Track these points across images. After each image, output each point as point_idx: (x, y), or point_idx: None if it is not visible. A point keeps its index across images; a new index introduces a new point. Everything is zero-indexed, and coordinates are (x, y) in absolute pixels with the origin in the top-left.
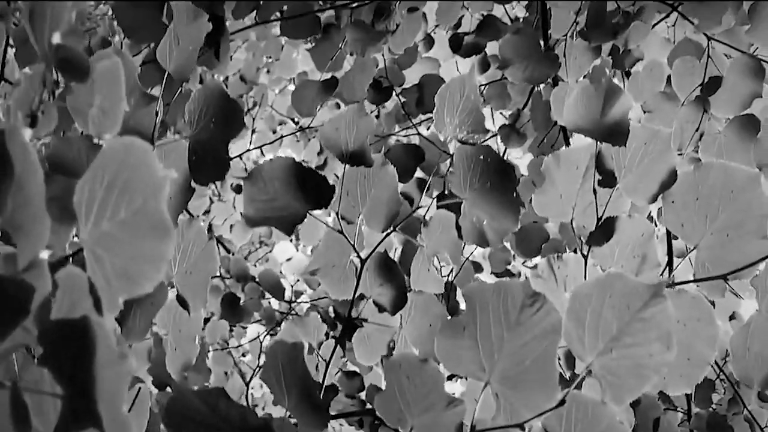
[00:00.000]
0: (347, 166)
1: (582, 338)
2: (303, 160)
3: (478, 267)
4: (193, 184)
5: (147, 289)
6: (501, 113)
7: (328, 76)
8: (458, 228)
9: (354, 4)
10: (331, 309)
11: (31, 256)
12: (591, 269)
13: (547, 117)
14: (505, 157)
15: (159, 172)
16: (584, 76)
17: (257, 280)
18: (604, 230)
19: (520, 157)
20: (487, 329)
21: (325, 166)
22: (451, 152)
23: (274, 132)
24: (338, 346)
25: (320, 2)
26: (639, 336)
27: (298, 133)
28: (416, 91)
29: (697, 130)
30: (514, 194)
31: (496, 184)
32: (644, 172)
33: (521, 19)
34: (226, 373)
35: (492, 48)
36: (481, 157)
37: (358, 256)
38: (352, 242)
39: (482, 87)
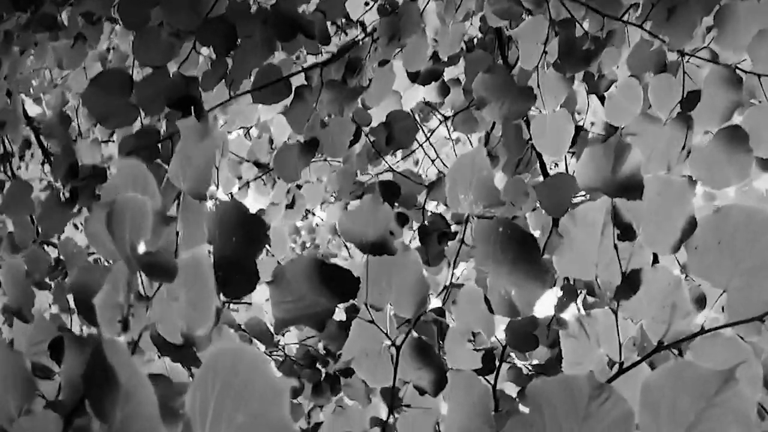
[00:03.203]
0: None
1: (660, 430)
2: (272, 203)
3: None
4: None
5: None
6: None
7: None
8: (487, 301)
9: (322, 63)
10: (320, 346)
11: None
12: (622, 323)
13: (519, 138)
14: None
15: (277, 381)
16: (560, 106)
17: (243, 328)
18: (630, 284)
19: None
20: (556, 425)
21: (294, 205)
22: (427, 183)
23: (240, 178)
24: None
25: (292, 62)
26: (717, 421)
27: (264, 177)
28: (384, 129)
29: (683, 147)
30: (538, 262)
31: (518, 255)
32: (663, 222)
33: (475, 40)
34: None
35: (449, 72)
36: (500, 229)
37: (393, 344)
38: (384, 330)
39: (450, 118)
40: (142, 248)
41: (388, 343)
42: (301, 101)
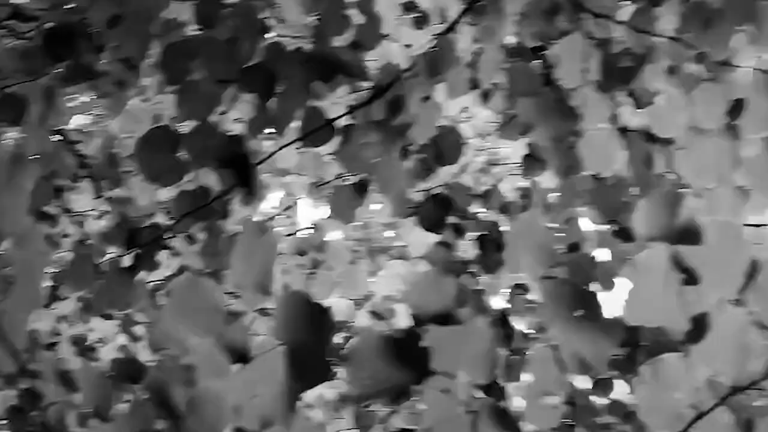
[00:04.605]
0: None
1: None
2: (322, 217)
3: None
4: None
5: None
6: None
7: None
8: (559, 361)
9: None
10: None
11: None
12: (695, 367)
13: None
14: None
15: None
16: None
17: None
18: (699, 327)
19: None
20: None
21: None
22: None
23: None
24: None
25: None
26: None
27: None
28: (433, 145)
29: (734, 157)
30: (605, 319)
31: (585, 313)
32: (725, 265)
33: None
34: None
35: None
36: (564, 287)
37: (469, 410)
38: (459, 397)
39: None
40: None
41: (464, 409)
42: (348, 140)
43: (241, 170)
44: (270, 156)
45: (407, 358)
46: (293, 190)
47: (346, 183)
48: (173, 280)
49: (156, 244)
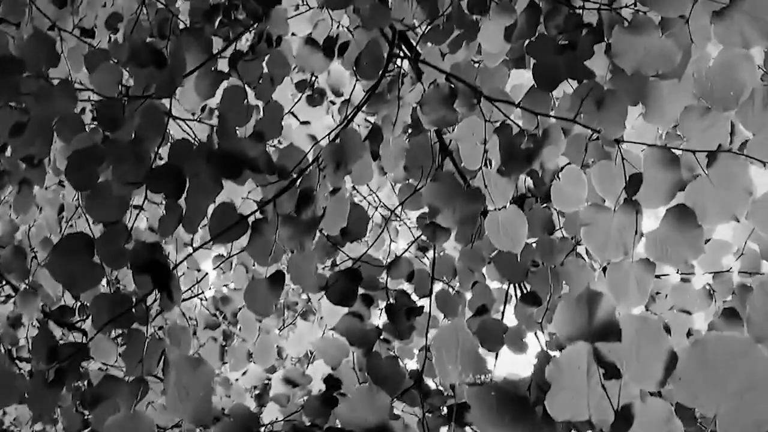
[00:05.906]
0: None
1: None
2: (233, 288)
3: None
4: None
5: None
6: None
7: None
8: None
9: (274, 197)
10: (305, 420)
11: None
12: None
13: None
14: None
15: None
16: (511, 202)
17: (227, 413)
18: (624, 419)
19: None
20: None
21: None
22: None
23: (199, 270)
24: None
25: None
26: None
27: (222, 265)
28: None
29: (636, 231)
30: (535, 418)
31: (515, 414)
32: (645, 359)
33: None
34: None
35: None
36: (493, 393)
37: None
38: None
39: (399, 206)
40: None
41: None
42: (260, 235)
43: (158, 275)
44: (185, 259)
45: None
46: (199, 261)
47: (261, 277)
48: (109, 419)
49: (79, 355)
